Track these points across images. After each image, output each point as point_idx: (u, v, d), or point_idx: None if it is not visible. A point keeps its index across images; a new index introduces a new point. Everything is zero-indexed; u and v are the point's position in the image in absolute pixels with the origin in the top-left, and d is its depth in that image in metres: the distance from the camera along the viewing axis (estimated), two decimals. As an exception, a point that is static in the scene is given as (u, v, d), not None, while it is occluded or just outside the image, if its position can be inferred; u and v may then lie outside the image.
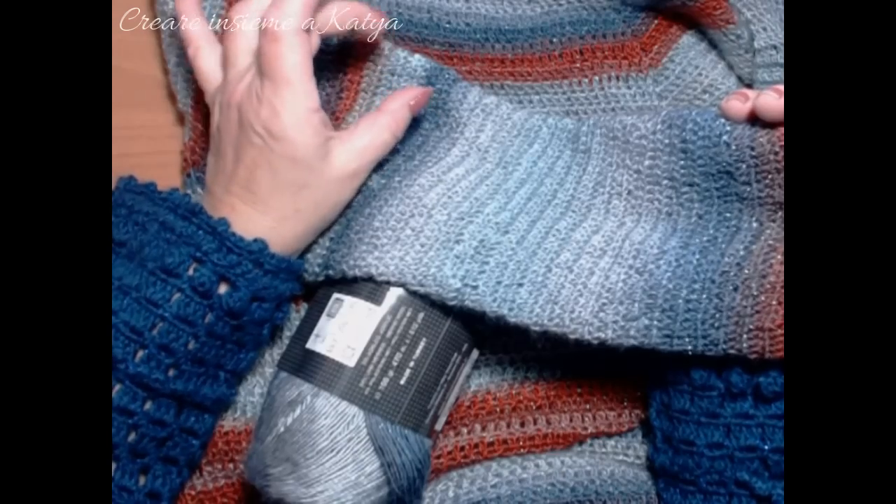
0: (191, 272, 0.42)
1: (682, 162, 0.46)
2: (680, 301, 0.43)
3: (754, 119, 0.44)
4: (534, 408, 0.50)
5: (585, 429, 0.50)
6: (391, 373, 0.44)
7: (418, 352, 0.45)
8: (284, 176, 0.44)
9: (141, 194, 0.45)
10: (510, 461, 0.49)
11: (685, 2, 0.56)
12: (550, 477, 0.48)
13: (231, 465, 0.47)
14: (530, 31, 0.58)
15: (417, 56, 0.52)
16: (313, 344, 0.45)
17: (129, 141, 0.51)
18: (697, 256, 0.44)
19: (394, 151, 0.49)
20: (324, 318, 0.45)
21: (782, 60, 0.55)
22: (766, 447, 0.42)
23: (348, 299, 0.45)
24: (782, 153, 0.42)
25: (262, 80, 0.43)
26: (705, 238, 0.45)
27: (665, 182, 0.47)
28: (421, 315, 0.45)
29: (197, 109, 0.52)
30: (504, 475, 0.48)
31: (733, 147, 0.44)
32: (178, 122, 0.54)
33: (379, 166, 0.49)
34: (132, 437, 0.42)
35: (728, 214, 0.45)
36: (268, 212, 0.45)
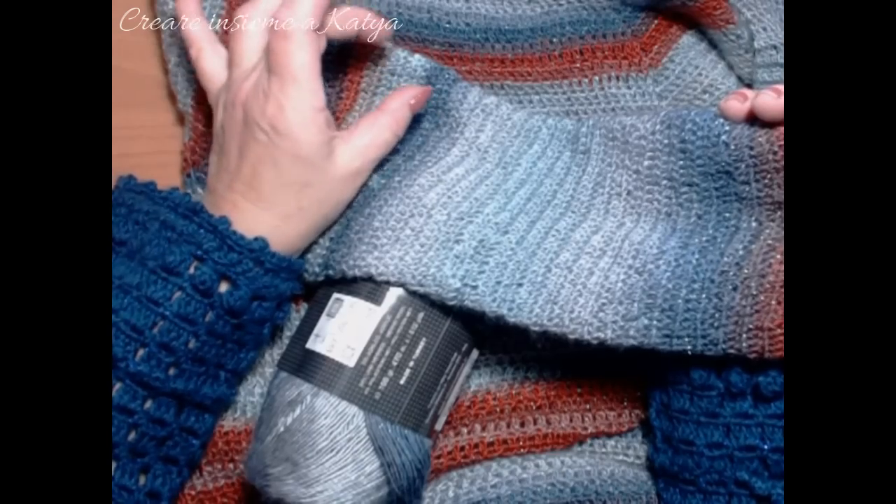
0: (191, 270, 0.42)
1: (681, 162, 0.46)
2: (679, 301, 0.43)
3: (753, 119, 0.44)
4: (534, 408, 0.50)
5: (585, 429, 0.50)
6: (391, 373, 0.44)
7: (418, 352, 0.45)
8: (288, 173, 0.44)
9: (141, 193, 0.45)
10: (510, 461, 0.49)
11: (685, 2, 0.56)
12: (550, 477, 0.48)
13: (231, 465, 0.47)
14: (530, 31, 0.58)
15: (417, 56, 0.52)
16: (313, 344, 0.45)
17: (129, 141, 0.51)
18: (697, 256, 0.44)
19: (394, 151, 0.50)
20: (324, 317, 0.45)
21: (782, 60, 0.55)
22: (766, 447, 0.41)
23: (348, 299, 0.45)
24: (781, 153, 0.42)
25: (270, 77, 0.44)
26: (704, 238, 0.45)
27: (664, 182, 0.47)
28: (421, 315, 0.45)
29: (197, 109, 0.52)
30: (504, 475, 0.48)
31: (732, 147, 0.44)
32: (178, 122, 0.54)
33: (379, 166, 0.49)
34: (132, 436, 0.42)
35: (727, 214, 0.45)
36: (271, 209, 0.45)
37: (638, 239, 0.46)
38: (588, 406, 0.51)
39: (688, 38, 0.58)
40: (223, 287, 0.43)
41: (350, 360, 0.44)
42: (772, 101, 0.42)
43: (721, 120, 0.45)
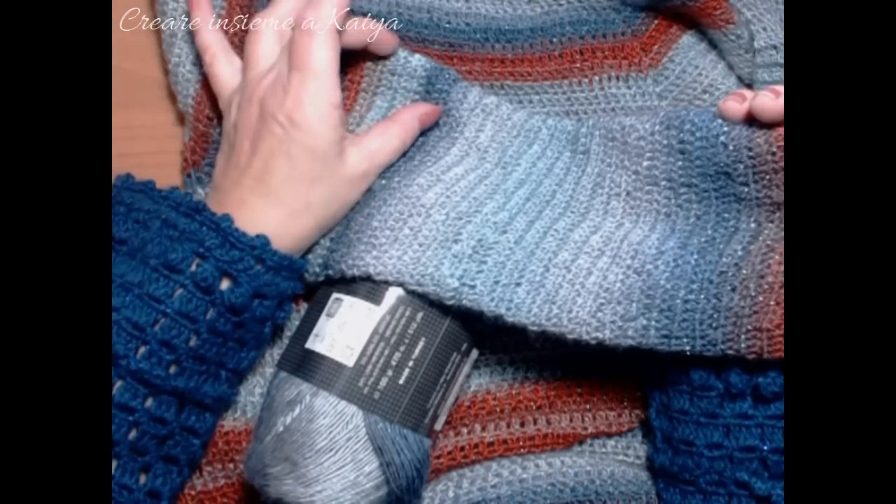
0: (193, 268, 0.43)
1: (680, 163, 0.46)
2: (678, 301, 0.43)
3: (752, 119, 0.43)
4: (534, 408, 0.50)
5: (585, 429, 0.50)
6: (390, 372, 0.44)
7: (417, 351, 0.45)
8: (300, 166, 0.45)
9: (140, 192, 0.46)
10: (510, 461, 0.49)
11: (685, 2, 0.56)
12: (550, 477, 0.48)
13: (231, 465, 0.47)
14: (530, 31, 0.58)
15: (418, 56, 0.52)
16: (312, 343, 0.45)
17: (129, 141, 0.52)
18: (695, 257, 0.44)
19: (394, 152, 0.50)
20: (323, 317, 0.45)
21: (782, 60, 0.55)
22: (766, 447, 0.41)
23: (347, 299, 0.45)
24: (780, 153, 0.42)
25: (291, 72, 0.45)
26: (703, 238, 0.45)
27: (663, 183, 0.47)
28: (420, 315, 0.45)
29: (197, 109, 0.52)
30: (504, 475, 0.48)
31: (731, 147, 0.44)
32: (178, 122, 0.54)
33: (380, 167, 0.49)
34: (133, 434, 0.42)
35: (726, 215, 0.45)
36: (279, 204, 0.45)
37: (637, 239, 0.46)
38: (588, 406, 0.51)
39: (688, 38, 0.58)
40: (224, 284, 0.43)
41: (349, 360, 0.44)
42: (770, 101, 0.42)
43: (720, 120, 0.45)
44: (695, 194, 0.46)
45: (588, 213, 0.48)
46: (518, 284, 0.45)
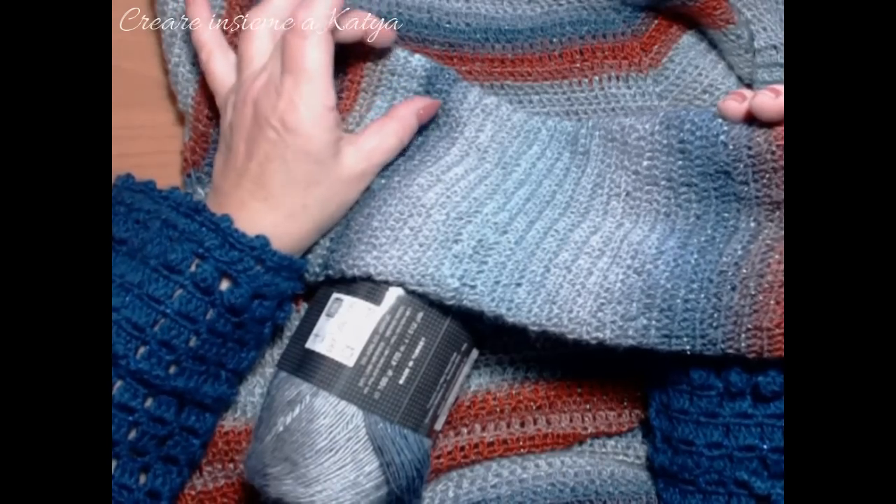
0: (193, 268, 0.43)
1: (679, 162, 0.46)
2: (678, 301, 0.43)
3: (751, 119, 0.44)
4: (534, 408, 0.50)
5: (585, 429, 0.50)
6: (390, 372, 0.44)
7: (417, 351, 0.45)
8: (296, 170, 0.45)
9: (140, 192, 0.46)
10: (510, 461, 0.49)
11: (685, 2, 0.56)
12: (550, 477, 0.48)
13: (231, 465, 0.47)
14: (530, 31, 0.58)
15: (418, 56, 0.52)
16: (312, 343, 0.45)
17: (129, 141, 0.52)
18: (695, 256, 0.44)
19: (394, 151, 0.50)
20: (323, 317, 0.45)
21: (782, 60, 0.55)
22: (765, 447, 0.41)
23: (347, 299, 0.45)
24: (780, 153, 0.42)
25: (284, 74, 0.45)
26: (703, 238, 0.45)
27: (663, 183, 0.47)
28: (420, 315, 0.45)
29: (197, 109, 0.52)
30: (504, 475, 0.48)
31: (731, 147, 0.44)
32: (178, 122, 0.54)
33: (380, 167, 0.49)
34: (133, 434, 0.42)
35: (726, 214, 0.45)
36: (277, 207, 0.45)
37: (637, 239, 0.46)
38: (588, 406, 0.51)
39: (688, 38, 0.58)
40: (224, 285, 0.43)
41: (349, 360, 0.44)
42: (770, 101, 0.42)
43: (719, 120, 0.45)
44: (695, 194, 0.46)
45: (588, 214, 0.48)
46: (518, 284, 0.45)
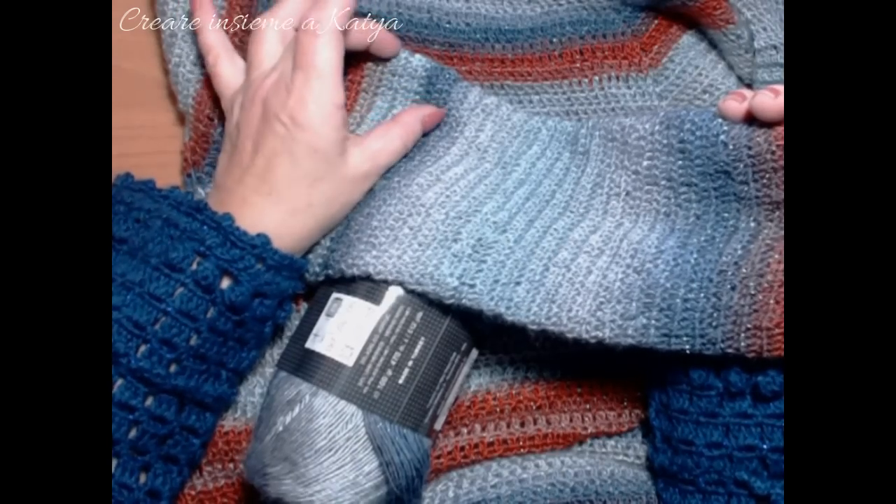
0: (194, 267, 0.43)
1: (679, 162, 0.46)
2: (678, 300, 0.42)
3: (751, 119, 0.44)
4: (534, 408, 0.50)
5: (585, 429, 0.50)
6: (390, 372, 0.44)
7: (417, 351, 0.45)
8: (303, 166, 0.45)
9: (140, 191, 0.46)
10: (510, 461, 0.49)
11: (685, 2, 0.56)
12: (550, 477, 0.48)
13: (231, 465, 0.47)
14: (530, 31, 0.58)
15: (418, 56, 0.53)
16: (312, 343, 0.45)
17: (129, 141, 0.52)
18: (695, 256, 0.44)
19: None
20: (323, 317, 0.45)
21: (782, 60, 0.55)
22: (765, 446, 0.41)
23: (347, 298, 0.45)
24: (780, 152, 0.42)
25: (294, 72, 0.45)
26: (703, 237, 0.45)
27: (663, 182, 0.47)
28: (420, 314, 0.45)
29: (197, 109, 0.52)
30: (504, 475, 0.48)
31: (730, 147, 0.44)
32: (178, 122, 0.54)
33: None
34: (133, 433, 0.42)
35: (726, 214, 0.45)
36: (281, 203, 0.45)
37: (636, 238, 0.46)
38: (588, 406, 0.51)
39: (688, 38, 0.58)
40: (225, 283, 0.43)
41: (349, 360, 0.44)
42: (770, 101, 0.42)
43: (719, 120, 0.45)
44: (694, 193, 0.46)
45: (588, 213, 0.48)
46: (518, 283, 0.45)
